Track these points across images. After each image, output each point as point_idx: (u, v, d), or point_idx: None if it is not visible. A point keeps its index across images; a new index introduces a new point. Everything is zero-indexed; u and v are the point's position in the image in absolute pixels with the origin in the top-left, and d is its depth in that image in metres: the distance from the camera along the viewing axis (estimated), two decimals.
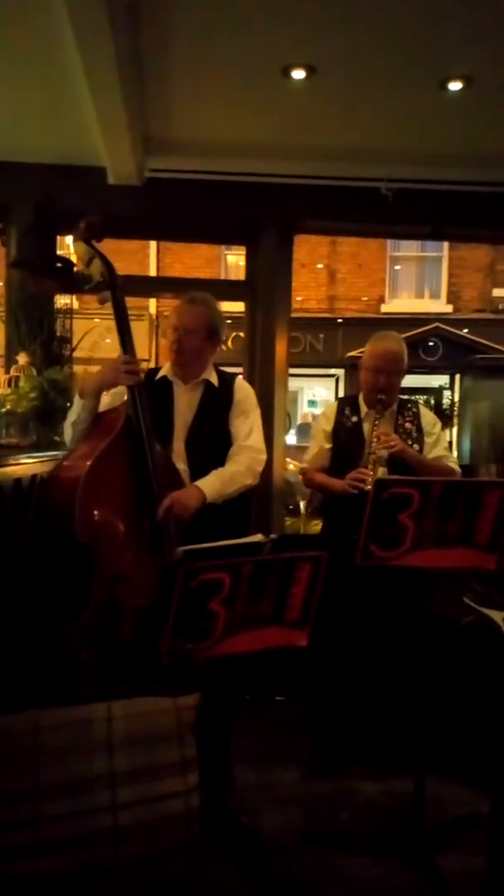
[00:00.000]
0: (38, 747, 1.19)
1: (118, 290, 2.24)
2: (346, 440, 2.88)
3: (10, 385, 2.81)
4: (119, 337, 2.24)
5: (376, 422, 2.77)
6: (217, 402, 2.47)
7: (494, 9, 2.29)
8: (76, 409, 2.25)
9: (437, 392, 12.51)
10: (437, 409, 11.54)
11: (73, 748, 1.21)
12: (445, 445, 2.96)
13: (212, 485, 2.29)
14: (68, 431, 2.28)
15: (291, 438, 9.40)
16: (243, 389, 2.54)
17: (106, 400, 2.34)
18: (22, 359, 2.96)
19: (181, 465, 2.37)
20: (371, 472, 2.62)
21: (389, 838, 2.21)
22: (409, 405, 2.95)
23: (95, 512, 2.03)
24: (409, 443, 2.84)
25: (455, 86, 2.76)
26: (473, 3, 2.28)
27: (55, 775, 1.19)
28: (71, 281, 3.23)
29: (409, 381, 3.04)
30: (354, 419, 2.90)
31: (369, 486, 2.55)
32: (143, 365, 2.43)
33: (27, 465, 2.21)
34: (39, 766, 1.18)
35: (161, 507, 2.11)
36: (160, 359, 11.99)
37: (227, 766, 2.46)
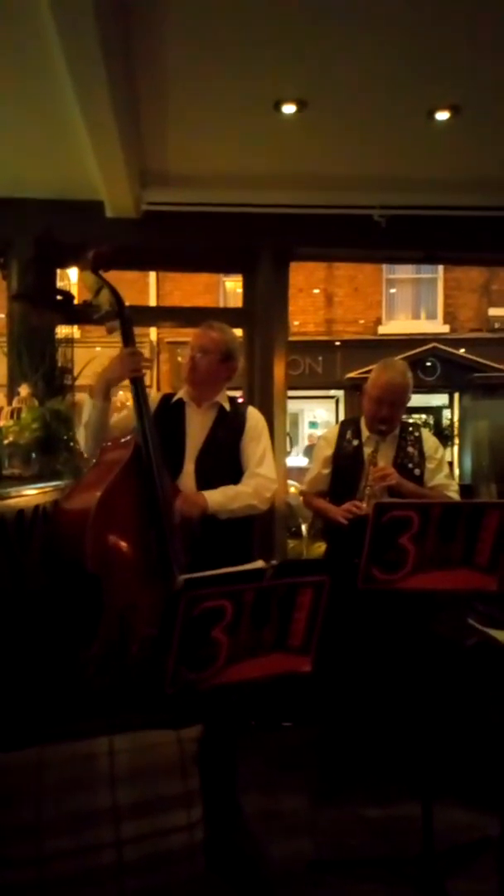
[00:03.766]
0: (41, 784, 1.20)
1: (127, 319, 2.28)
2: (347, 464, 2.88)
3: (12, 417, 2.83)
4: None
5: (374, 453, 2.75)
6: (229, 427, 2.53)
7: (477, 41, 2.36)
8: (87, 411, 2.31)
9: (436, 411, 12.55)
10: (437, 429, 11.57)
11: (76, 783, 1.21)
12: (447, 472, 2.93)
13: (215, 496, 2.35)
14: (82, 434, 2.35)
15: (301, 460, 9.33)
16: (255, 416, 2.60)
17: (112, 422, 2.37)
18: (24, 390, 2.98)
19: (191, 486, 2.41)
20: (364, 505, 2.62)
21: (398, 865, 2.19)
22: (412, 429, 2.93)
23: (105, 543, 2.04)
24: (411, 467, 2.82)
25: (442, 115, 2.82)
26: (457, 38, 2.35)
27: (59, 811, 1.19)
28: (75, 312, 3.29)
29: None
30: (356, 443, 2.89)
31: (366, 512, 2.56)
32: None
33: (30, 497, 2.22)
34: (43, 802, 1.19)
35: (176, 508, 2.20)
36: (160, 385, 12.05)
37: (234, 796, 2.43)
